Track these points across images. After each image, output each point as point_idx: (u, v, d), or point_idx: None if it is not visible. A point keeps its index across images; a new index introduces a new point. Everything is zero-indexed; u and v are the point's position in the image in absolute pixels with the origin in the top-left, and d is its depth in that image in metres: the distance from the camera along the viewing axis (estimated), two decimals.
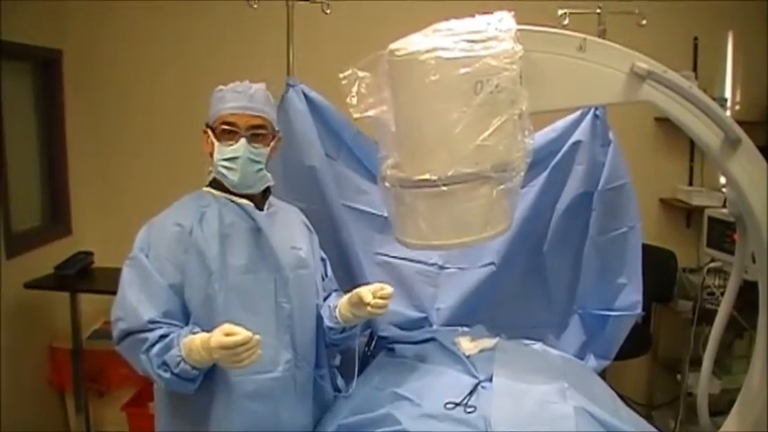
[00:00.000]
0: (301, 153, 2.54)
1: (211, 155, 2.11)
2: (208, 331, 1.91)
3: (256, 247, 2.11)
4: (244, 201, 2.13)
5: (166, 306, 1.99)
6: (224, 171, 2.08)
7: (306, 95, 2.58)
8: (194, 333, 1.94)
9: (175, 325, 1.99)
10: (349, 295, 2.21)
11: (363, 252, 2.72)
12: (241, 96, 2.10)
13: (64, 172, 4.23)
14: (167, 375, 1.91)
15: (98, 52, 4.23)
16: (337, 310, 2.23)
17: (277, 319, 2.11)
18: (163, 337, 1.93)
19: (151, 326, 1.94)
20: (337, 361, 2.33)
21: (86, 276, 3.90)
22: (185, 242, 2.04)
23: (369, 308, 2.12)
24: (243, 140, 2.07)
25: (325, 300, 2.33)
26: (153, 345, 1.92)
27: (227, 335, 1.83)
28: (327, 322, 2.26)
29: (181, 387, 1.96)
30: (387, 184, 1.93)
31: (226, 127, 2.08)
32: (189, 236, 2.04)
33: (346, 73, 1.91)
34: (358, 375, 2.42)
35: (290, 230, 2.25)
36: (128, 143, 4.30)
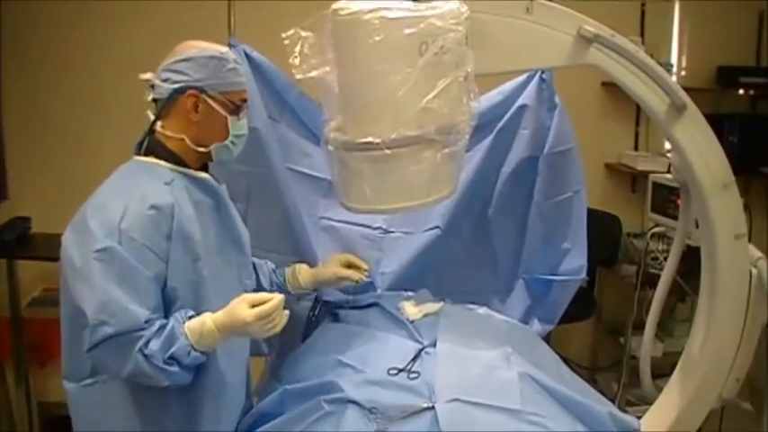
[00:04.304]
0: None
1: (197, 124, 1.91)
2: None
3: (221, 225, 2.02)
4: (204, 175, 1.99)
5: (155, 300, 1.79)
6: (231, 146, 1.97)
7: (248, 56, 2.51)
8: (189, 318, 1.79)
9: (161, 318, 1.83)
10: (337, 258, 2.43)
11: (308, 216, 2.68)
12: (242, 68, 2.02)
13: None
14: (174, 369, 1.75)
15: (36, 12, 4.10)
16: (297, 274, 2.37)
17: None
18: (159, 330, 1.74)
19: (146, 325, 1.74)
20: None
21: (24, 243, 3.76)
22: (166, 226, 1.81)
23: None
24: (246, 116, 2.01)
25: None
26: (149, 341, 1.72)
27: (255, 305, 1.77)
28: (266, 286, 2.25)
29: (183, 380, 1.81)
30: (330, 147, 1.91)
31: (243, 103, 1.98)
32: (170, 219, 1.82)
33: (289, 33, 1.88)
34: (303, 340, 2.43)
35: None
36: (66, 106, 4.16)
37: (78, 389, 1.93)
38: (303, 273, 2.40)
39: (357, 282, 2.47)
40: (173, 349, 1.73)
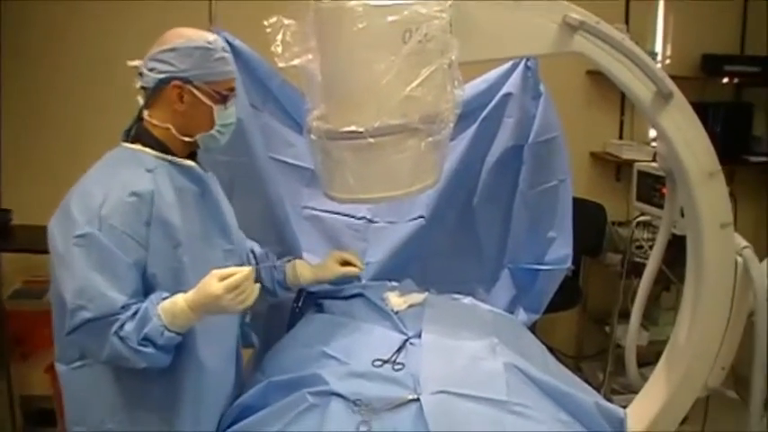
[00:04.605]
0: None
1: (182, 114, 1.91)
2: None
3: (206, 212, 2.01)
4: (190, 162, 1.98)
5: (134, 285, 1.80)
6: (218, 136, 1.96)
7: (229, 44, 2.48)
8: (164, 299, 1.80)
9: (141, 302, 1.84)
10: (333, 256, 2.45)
11: (291, 206, 2.66)
12: (231, 57, 1.99)
13: None
14: (149, 350, 1.76)
15: (28, 12, 4.05)
16: (297, 272, 2.38)
17: None
18: (134, 314, 1.76)
19: (122, 310, 1.76)
20: (247, 318, 2.28)
21: (5, 235, 3.72)
22: (146, 213, 1.82)
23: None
24: (234, 105, 1.99)
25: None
26: (124, 324, 1.75)
27: (224, 278, 1.76)
28: (270, 284, 2.34)
29: (159, 361, 1.82)
30: (313, 136, 1.89)
31: (230, 93, 1.95)
32: (149, 205, 1.82)
33: (271, 21, 1.86)
34: (287, 331, 2.42)
35: (222, 192, 2.17)
36: (50, 100, 4.12)
37: (69, 371, 1.94)
38: (304, 272, 2.41)
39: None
40: (146, 330, 1.74)
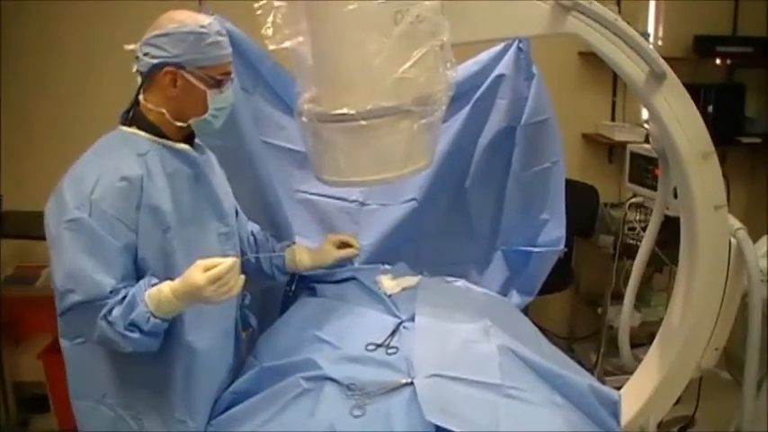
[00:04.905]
0: None
1: (175, 98, 1.91)
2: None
3: (200, 195, 2.01)
4: (184, 146, 1.98)
5: (124, 270, 1.82)
6: (212, 120, 1.96)
7: None
8: (152, 285, 1.81)
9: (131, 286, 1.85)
10: (330, 240, 2.46)
11: (283, 189, 2.66)
12: (227, 41, 1.97)
13: None
14: (136, 336, 1.78)
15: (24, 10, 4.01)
16: (296, 257, 2.40)
17: None
18: (123, 298, 1.78)
19: (111, 294, 1.78)
20: (247, 300, 2.28)
21: None
22: (135, 197, 1.83)
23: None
24: (230, 88, 1.99)
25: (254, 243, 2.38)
26: (112, 309, 1.77)
27: (208, 269, 1.76)
28: (269, 269, 2.38)
29: (147, 346, 1.83)
30: (304, 118, 1.88)
31: (225, 77, 1.95)
32: (139, 190, 1.84)
33: (261, 2, 1.83)
34: (280, 315, 2.42)
35: (221, 175, 2.18)
36: (40, 81, 4.09)
37: (72, 346, 1.97)
38: (303, 257, 2.42)
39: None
40: (132, 315, 1.76)
